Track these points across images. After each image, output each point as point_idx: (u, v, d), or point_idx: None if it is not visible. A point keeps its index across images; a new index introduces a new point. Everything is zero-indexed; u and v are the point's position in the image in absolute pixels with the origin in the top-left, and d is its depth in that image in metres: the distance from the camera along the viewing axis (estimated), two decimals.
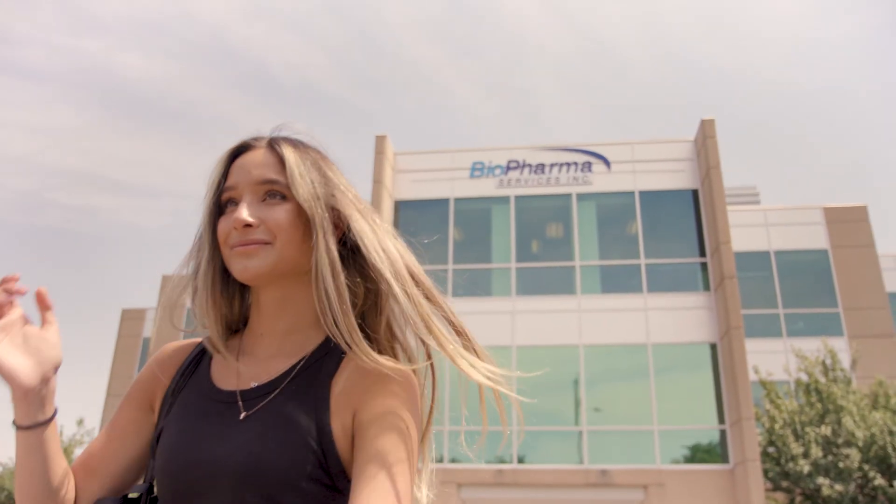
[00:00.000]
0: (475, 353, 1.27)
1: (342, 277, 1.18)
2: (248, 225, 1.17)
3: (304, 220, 1.20)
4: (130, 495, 1.18)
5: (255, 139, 1.27)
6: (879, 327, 19.72)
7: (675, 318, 17.04)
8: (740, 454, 14.95)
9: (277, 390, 1.15)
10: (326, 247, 1.18)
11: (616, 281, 17.84)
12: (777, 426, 15.16)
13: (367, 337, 1.21)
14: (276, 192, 1.20)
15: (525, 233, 18.67)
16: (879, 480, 13.50)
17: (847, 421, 14.21)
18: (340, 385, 1.15)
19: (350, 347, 1.16)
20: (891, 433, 13.92)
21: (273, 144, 1.24)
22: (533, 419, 16.62)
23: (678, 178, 18.46)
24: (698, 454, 16.11)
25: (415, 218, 19.23)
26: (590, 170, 18.74)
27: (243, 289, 1.31)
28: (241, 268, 1.17)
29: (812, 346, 18.03)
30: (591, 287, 17.82)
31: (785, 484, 14.77)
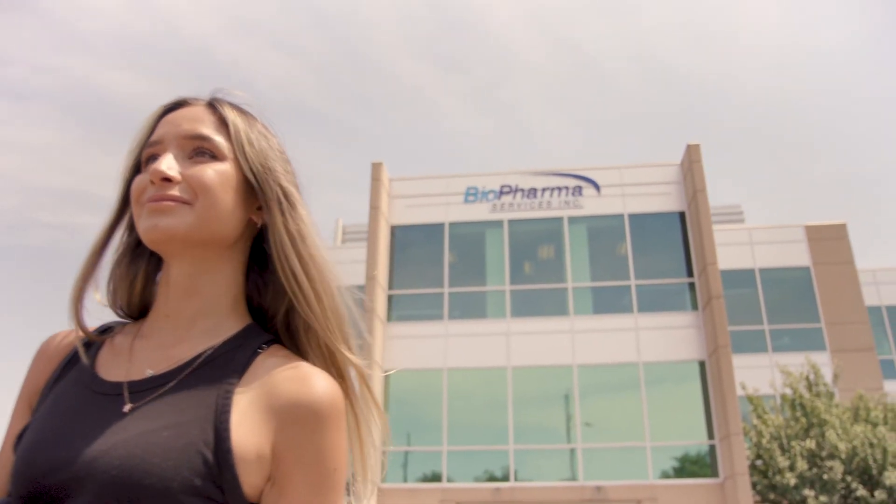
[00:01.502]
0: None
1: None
2: (167, 179, 1.01)
3: (233, 187, 1.05)
4: None
5: (194, 98, 1.13)
6: (860, 341, 20.39)
7: (665, 337, 17.66)
8: (729, 468, 15.55)
9: (173, 382, 0.98)
10: (286, 224, 1.06)
11: (607, 302, 18.46)
12: (764, 440, 15.74)
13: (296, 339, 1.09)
14: (207, 150, 1.05)
15: (518, 256, 19.27)
16: (861, 491, 14.11)
17: (830, 434, 14.82)
18: (255, 390, 0.97)
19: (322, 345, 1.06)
20: (871, 445, 14.54)
21: (214, 104, 1.11)
22: (529, 438, 17.18)
23: (666, 200, 19.15)
24: (689, 469, 16.69)
25: (411, 242, 19.80)
26: (580, 194, 19.40)
27: (149, 269, 1.14)
28: (150, 225, 1.00)
29: (796, 361, 18.69)
30: (583, 308, 18.42)
31: (772, 496, 15.34)
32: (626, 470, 16.68)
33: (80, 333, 1.07)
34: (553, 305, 18.59)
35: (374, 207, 19.32)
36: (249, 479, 0.93)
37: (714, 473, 16.35)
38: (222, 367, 1.00)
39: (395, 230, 19.83)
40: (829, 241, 22.03)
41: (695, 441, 16.81)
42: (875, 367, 19.91)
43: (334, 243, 26.17)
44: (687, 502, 16.04)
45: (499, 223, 19.57)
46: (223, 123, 1.08)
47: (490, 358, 18.13)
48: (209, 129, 1.06)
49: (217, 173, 1.04)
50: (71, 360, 1.06)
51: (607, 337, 17.94)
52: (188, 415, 0.94)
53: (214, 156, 1.05)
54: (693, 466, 16.74)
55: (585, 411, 17.38)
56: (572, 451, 17.10)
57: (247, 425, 0.94)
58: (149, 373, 1.00)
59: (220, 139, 1.06)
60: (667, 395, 17.37)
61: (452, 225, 19.70)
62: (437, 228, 19.71)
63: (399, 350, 18.41)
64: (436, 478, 17.14)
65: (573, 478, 16.76)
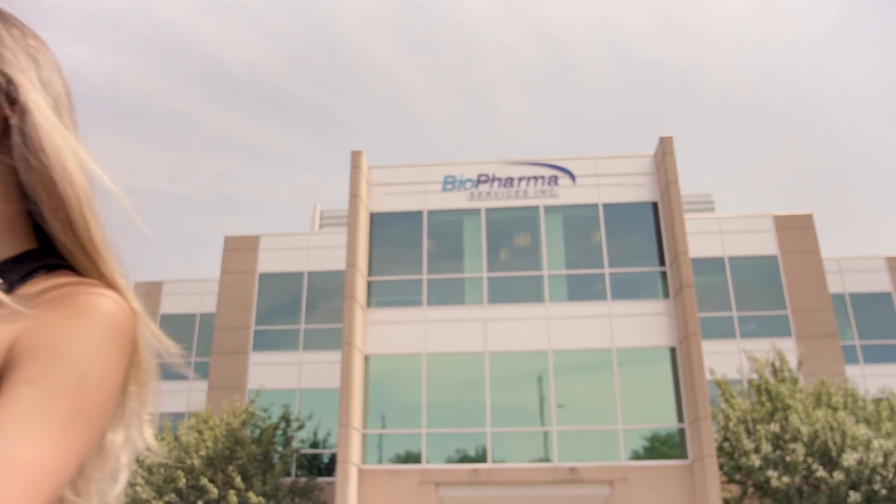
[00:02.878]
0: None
1: None
2: None
3: None
4: None
5: None
6: (824, 328, 21.14)
7: (638, 324, 18.22)
8: (698, 450, 16.18)
9: None
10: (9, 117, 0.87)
11: (582, 289, 18.96)
12: (731, 424, 16.40)
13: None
14: None
15: (495, 243, 19.68)
16: (821, 472, 14.82)
17: (793, 418, 15.50)
18: (15, 304, 0.81)
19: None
20: (831, 429, 15.25)
21: None
22: (506, 421, 17.65)
23: (639, 191, 19.65)
24: (659, 451, 17.32)
25: (390, 229, 20.11)
26: (556, 183, 19.82)
27: None
28: None
29: (763, 347, 19.40)
30: (558, 295, 18.90)
31: (738, 477, 16.02)
32: (599, 452, 17.26)
33: None
34: (529, 292, 19.04)
35: (354, 195, 19.58)
36: None
37: (683, 455, 16.99)
38: None
39: (374, 217, 20.12)
40: (796, 230, 22.71)
41: (665, 424, 17.43)
42: (838, 353, 20.68)
43: (312, 228, 26.37)
44: (657, 483, 16.67)
45: (476, 211, 19.94)
46: None
47: (468, 343, 18.56)
48: None
49: None
50: None
51: (581, 323, 18.45)
52: None
53: None
54: (663, 448, 17.37)
55: (560, 395, 17.90)
56: (547, 433, 17.63)
57: None
58: None
59: None
60: (638, 379, 17.95)
61: (431, 213, 20.04)
62: (415, 216, 20.03)
63: (379, 335, 18.77)
64: (415, 459, 17.58)
65: (548, 459, 17.31)
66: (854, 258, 25.22)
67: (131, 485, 18.06)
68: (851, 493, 14.70)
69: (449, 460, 17.58)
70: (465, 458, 17.59)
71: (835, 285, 23.92)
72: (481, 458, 17.47)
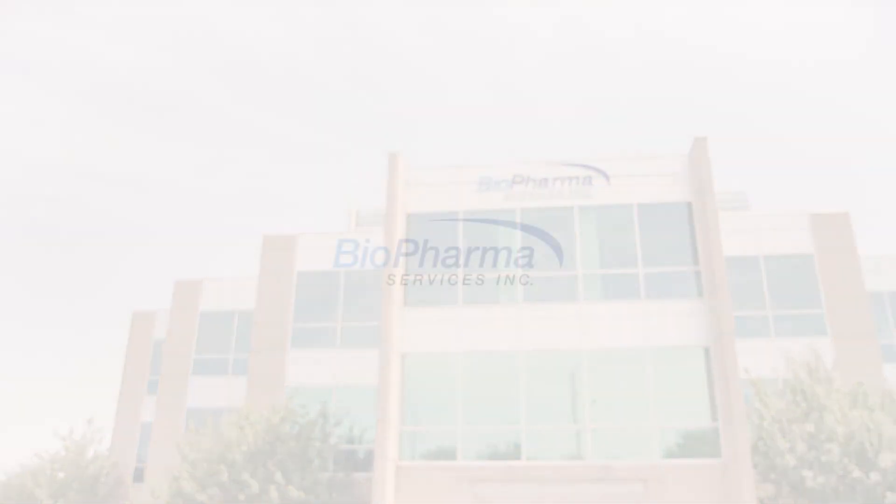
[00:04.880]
0: None
1: None
2: None
3: None
4: None
5: None
6: (861, 327, 20.98)
7: (671, 324, 18.31)
8: (732, 449, 16.26)
9: None
10: None
11: (616, 288, 19.09)
12: (765, 423, 16.43)
13: None
14: None
15: (530, 244, 19.89)
16: (857, 473, 14.80)
17: (829, 418, 15.49)
18: None
19: None
20: (868, 430, 15.21)
21: None
22: (540, 418, 17.88)
23: (673, 191, 19.71)
24: (693, 449, 17.40)
25: (426, 230, 20.42)
26: (590, 184, 19.98)
27: None
28: None
29: (799, 346, 19.34)
30: (592, 294, 19.06)
31: (772, 476, 16.05)
32: (633, 450, 17.40)
33: None
34: (563, 292, 19.23)
35: (391, 197, 19.97)
36: None
37: (717, 454, 17.07)
38: None
39: (410, 218, 20.46)
40: (833, 229, 22.56)
41: (699, 423, 17.52)
42: (875, 352, 20.53)
43: (348, 227, 26.81)
44: (690, 481, 16.78)
45: (511, 212, 20.17)
46: None
47: (502, 342, 18.82)
48: None
49: None
50: None
51: (615, 322, 18.60)
52: None
53: None
54: (697, 446, 17.45)
55: (594, 393, 18.07)
56: (580, 431, 17.83)
57: None
58: None
59: None
60: (673, 379, 18.03)
61: (466, 213, 20.33)
62: (451, 216, 20.33)
63: (415, 334, 19.12)
64: (450, 456, 17.91)
65: (582, 457, 17.51)
66: (893, 256, 24.91)
67: (175, 478, 18.64)
68: (889, 494, 14.67)
69: (483, 457, 17.87)
70: (499, 455, 17.86)
71: (874, 284, 23.68)
72: (515, 455, 17.73)
